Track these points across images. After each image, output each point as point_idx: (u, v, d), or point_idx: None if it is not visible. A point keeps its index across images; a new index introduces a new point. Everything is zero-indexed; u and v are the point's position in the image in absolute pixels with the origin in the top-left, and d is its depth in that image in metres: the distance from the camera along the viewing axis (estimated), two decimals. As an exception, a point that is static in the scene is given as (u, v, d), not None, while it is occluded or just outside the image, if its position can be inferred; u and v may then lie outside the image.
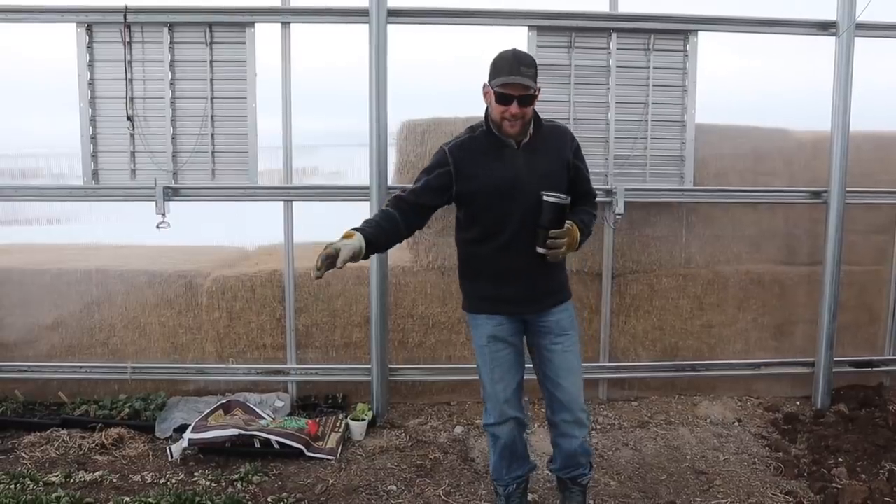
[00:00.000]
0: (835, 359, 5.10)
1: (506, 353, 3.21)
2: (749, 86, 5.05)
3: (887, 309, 5.30)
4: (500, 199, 3.06)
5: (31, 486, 3.81)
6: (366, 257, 2.92)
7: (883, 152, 5.23)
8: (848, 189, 4.92)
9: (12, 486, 3.78)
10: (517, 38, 4.75)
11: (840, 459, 4.21)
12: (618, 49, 4.81)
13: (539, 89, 3.03)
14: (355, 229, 2.92)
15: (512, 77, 2.93)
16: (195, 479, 3.95)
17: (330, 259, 2.77)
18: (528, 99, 2.98)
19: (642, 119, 4.87)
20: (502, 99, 2.96)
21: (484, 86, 3.07)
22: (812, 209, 5.10)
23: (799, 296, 5.21)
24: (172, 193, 4.69)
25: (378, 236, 2.95)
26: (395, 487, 3.89)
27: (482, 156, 3.09)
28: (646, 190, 4.88)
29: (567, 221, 3.03)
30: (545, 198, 2.96)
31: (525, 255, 3.08)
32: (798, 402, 5.12)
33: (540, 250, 3.03)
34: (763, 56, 5.03)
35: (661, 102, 4.88)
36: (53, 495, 3.70)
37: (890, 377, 5.35)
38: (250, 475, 3.96)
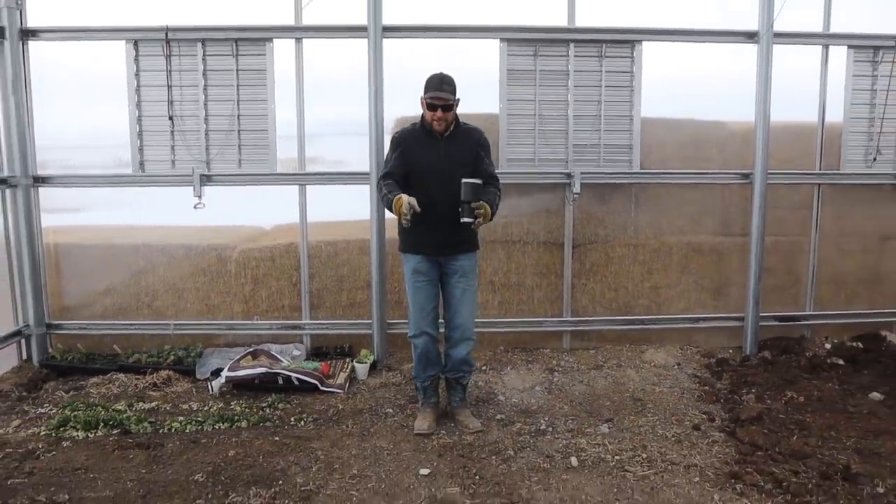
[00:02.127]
0: (762, 314, 6.09)
1: (424, 284, 4.50)
2: (688, 85, 5.95)
3: (808, 273, 6.26)
4: (427, 172, 4.38)
5: (102, 412, 4.78)
6: None
7: (804, 141, 6.15)
8: (770, 171, 5.89)
9: (89, 411, 4.76)
10: (491, 48, 5.74)
11: (753, 391, 5.19)
12: (575, 56, 5.78)
13: (458, 100, 4.39)
14: (397, 192, 4.24)
15: (436, 92, 4.30)
16: (232, 406, 4.94)
17: (411, 206, 4.14)
18: (448, 107, 4.34)
19: (597, 114, 5.85)
20: (431, 107, 4.34)
21: (420, 98, 4.37)
22: (742, 188, 6.05)
23: (733, 262, 6.17)
24: (206, 180, 5.67)
25: (402, 191, 4.29)
26: (391, 410, 4.88)
27: (418, 142, 4.43)
28: (599, 173, 5.86)
29: (481, 201, 4.20)
30: (464, 181, 4.20)
31: (441, 213, 4.32)
32: (731, 351, 6.09)
33: (465, 220, 4.23)
34: (700, 60, 5.95)
35: (613, 100, 5.86)
36: (124, 415, 4.70)
37: (810, 330, 6.33)
38: (276, 403, 4.96)
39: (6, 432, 4.54)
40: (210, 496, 3.71)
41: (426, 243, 4.44)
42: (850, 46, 6.01)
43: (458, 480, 3.89)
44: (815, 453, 4.17)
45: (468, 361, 4.66)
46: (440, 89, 4.31)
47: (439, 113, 4.33)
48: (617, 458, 4.16)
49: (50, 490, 3.78)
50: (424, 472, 3.98)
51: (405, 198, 4.18)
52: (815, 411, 4.82)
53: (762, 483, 3.86)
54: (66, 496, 3.72)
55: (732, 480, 3.91)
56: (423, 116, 4.44)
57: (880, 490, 3.76)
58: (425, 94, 4.34)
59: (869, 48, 6.03)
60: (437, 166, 4.37)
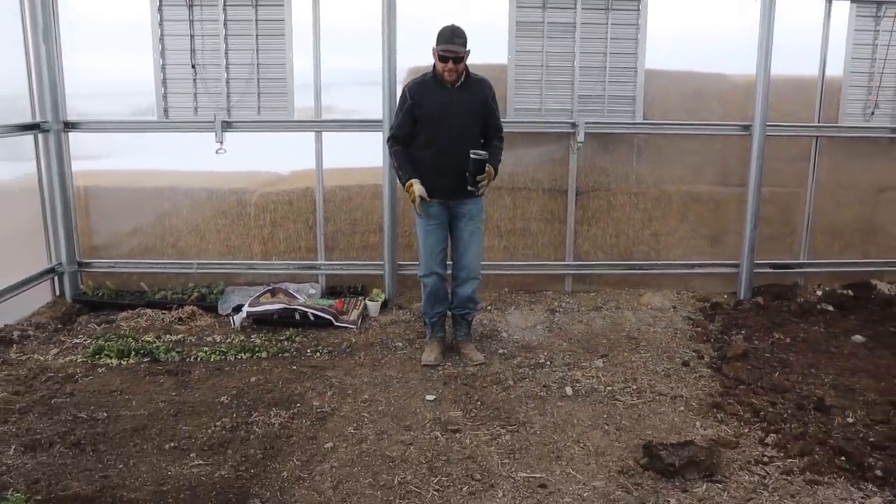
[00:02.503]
0: (757, 262, 6.36)
1: (435, 227, 4.82)
2: (692, 38, 6.14)
3: (804, 223, 6.50)
4: (439, 119, 4.65)
5: (133, 342, 5.15)
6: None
7: (804, 94, 6.33)
8: (769, 123, 6.10)
9: (121, 341, 5.13)
10: (500, 1, 5.91)
11: (742, 332, 5.49)
12: (582, 9, 5.96)
13: (468, 52, 4.58)
14: (411, 177, 4.65)
15: (448, 45, 4.50)
16: (252, 339, 5.30)
17: (423, 200, 4.61)
18: (459, 59, 4.55)
19: (602, 66, 6.05)
20: (442, 59, 4.55)
21: (432, 49, 4.58)
22: (742, 140, 6.25)
23: (730, 211, 6.42)
24: (227, 126, 5.95)
25: (410, 171, 4.69)
26: (400, 344, 5.23)
27: (429, 91, 4.67)
28: (603, 123, 6.09)
29: (487, 166, 4.61)
30: (472, 155, 4.54)
31: (451, 159, 4.62)
32: (725, 296, 6.38)
33: (470, 188, 4.60)
34: (704, 13, 6.12)
35: (618, 53, 6.06)
36: (153, 345, 5.07)
37: (803, 277, 6.60)
38: (293, 336, 5.32)
39: (46, 359, 4.93)
40: (235, 415, 4.08)
41: (438, 188, 4.70)
42: (853, 1, 6.15)
43: (461, 405, 4.24)
44: (794, 388, 4.49)
45: (474, 299, 4.99)
46: (451, 42, 4.52)
47: (450, 65, 4.56)
48: (609, 388, 4.49)
49: (90, 408, 4.17)
50: (430, 397, 4.34)
51: (417, 187, 4.61)
52: (799, 351, 5.13)
53: (742, 412, 4.18)
54: (105, 414, 4.10)
55: (714, 410, 4.24)
56: (434, 67, 4.68)
57: (850, 420, 4.07)
58: (437, 45, 4.56)
59: (872, 3, 6.17)
60: (448, 115, 4.64)
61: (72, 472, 3.48)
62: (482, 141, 4.78)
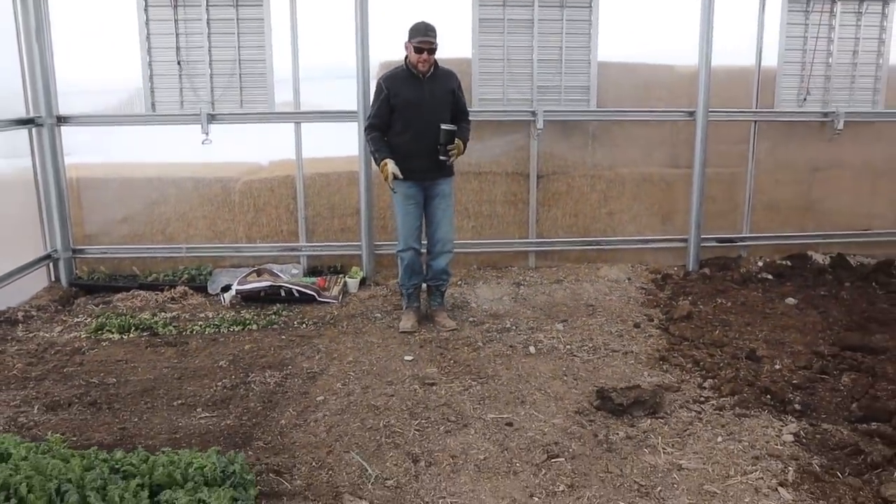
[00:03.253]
0: (704, 236, 6.94)
1: (413, 206, 5.32)
2: (641, 32, 6.69)
3: (745, 200, 7.10)
4: (413, 107, 5.15)
5: (131, 319, 5.57)
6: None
7: (742, 82, 6.91)
8: (711, 109, 6.67)
9: (120, 318, 5.55)
10: (464, 0, 6.41)
11: (689, 298, 6.07)
12: (539, 6, 6.48)
13: (437, 45, 5.09)
14: (385, 157, 5.13)
15: (424, 37, 5.04)
16: (242, 314, 5.76)
17: (395, 176, 5.06)
18: (432, 50, 5.08)
19: (558, 59, 6.57)
20: (418, 50, 5.05)
21: (405, 43, 5.14)
22: (688, 125, 6.81)
23: (679, 191, 6.98)
24: (212, 118, 6.37)
25: (386, 153, 5.17)
26: (379, 315, 5.72)
27: (403, 82, 5.17)
28: (560, 111, 6.62)
29: (456, 139, 5.09)
30: (442, 127, 5.10)
31: (425, 143, 5.15)
32: (675, 268, 6.95)
33: (442, 158, 5.13)
34: (652, 9, 6.66)
35: (573, 47, 6.59)
36: (151, 321, 5.51)
37: (747, 250, 7.20)
38: (280, 311, 5.79)
39: (52, 336, 5.34)
40: (233, 376, 4.54)
41: (414, 170, 5.20)
42: (784, -3, 6.75)
43: (436, 364, 4.75)
44: (731, 342, 5.06)
45: (447, 271, 5.51)
46: (426, 35, 5.05)
47: (425, 55, 5.08)
48: (567, 347, 5.03)
49: (100, 375, 4.60)
50: (408, 358, 4.84)
51: (390, 166, 5.08)
52: (738, 313, 5.71)
53: (684, 364, 4.75)
54: (114, 379, 4.54)
55: (661, 362, 4.80)
56: (406, 59, 5.18)
57: (777, 367, 4.66)
58: (412, 39, 5.07)
59: (802, 0, 6.77)
60: (421, 103, 5.15)
61: (92, 425, 3.92)
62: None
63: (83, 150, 6.56)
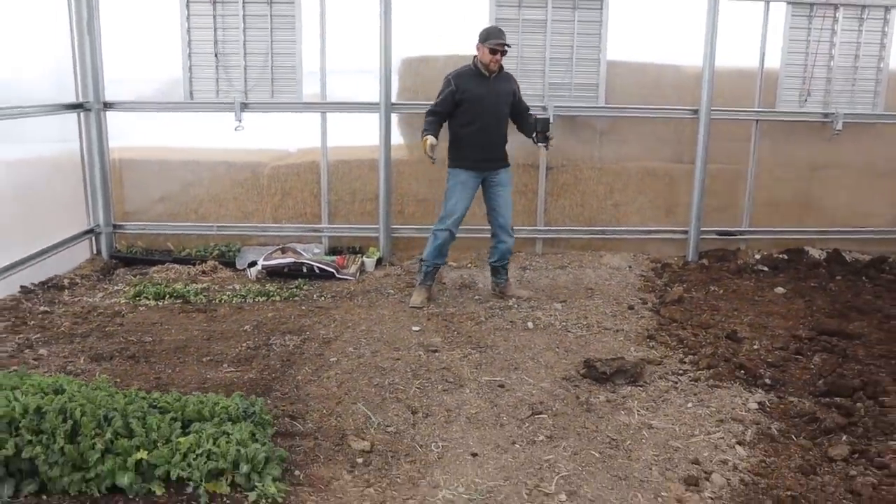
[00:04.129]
0: (704, 229, 7.32)
1: (467, 194, 5.76)
2: (650, 33, 7.07)
3: (746, 195, 7.45)
4: (479, 103, 5.64)
5: (165, 289, 6.09)
6: None
7: (746, 83, 7.26)
8: (714, 108, 7.04)
9: (155, 288, 6.07)
10: (482, 1, 6.84)
11: (683, 285, 6.45)
12: (552, 7, 6.89)
13: (509, 48, 5.64)
14: (429, 134, 5.52)
15: (499, 39, 5.54)
16: (267, 287, 6.25)
17: (433, 147, 5.44)
18: (504, 52, 5.60)
19: (570, 57, 6.98)
20: (493, 52, 5.55)
21: (477, 45, 5.62)
22: (692, 122, 7.18)
23: (682, 185, 7.36)
24: (245, 107, 6.87)
25: (437, 131, 5.60)
26: (392, 291, 6.19)
27: (471, 80, 5.65)
28: (570, 107, 7.02)
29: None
30: (538, 116, 5.73)
31: (488, 136, 5.69)
32: (676, 258, 7.33)
33: (540, 144, 5.78)
34: (660, 12, 7.04)
35: (583, 46, 6.99)
36: (183, 290, 6.02)
37: (746, 243, 7.55)
38: (302, 285, 6.27)
39: (94, 301, 5.88)
40: (256, 339, 5.03)
41: (480, 160, 5.73)
42: (788, 2, 7.08)
43: (441, 334, 5.20)
44: (717, 325, 5.46)
45: (510, 251, 6.01)
46: (500, 37, 5.55)
47: (498, 56, 5.58)
48: (563, 324, 5.46)
49: (138, 334, 5.12)
50: (416, 328, 5.30)
51: (430, 140, 5.47)
52: (728, 300, 6.09)
53: (670, 342, 5.15)
54: (150, 338, 5.05)
55: (648, 340, 5.20)
56: (475, 59, 5.69)
57: (755, 347, 5.05)
58: (488, 41, 5.54)
59: (806, 5, 7.10)
60: (487, 99, 5.66)
61: (131, 374, 4.43)
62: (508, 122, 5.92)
63: (126, 133, 7.08)
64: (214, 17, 6.76)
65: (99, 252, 7.11)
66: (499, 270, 6.07)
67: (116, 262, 6.91)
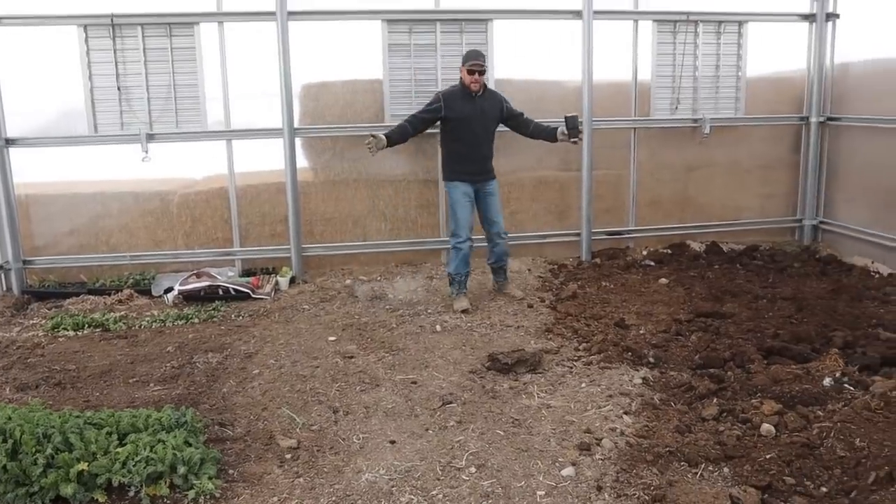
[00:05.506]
0: (594, 230, 7.92)
1: (468, 202, 6.38)
2: (532, 52, 7.64)
3: (630, 198, 8.11)
4: (466, 121, 6.23)
5: (83, 319, 6.22)
6: (388, 146, 6.21)
7: (622, 95, 7.93)
8: (595, 119, 7.67)
9: (73, 319, 6.19)
10: (375, 27, 7.27)
11: (578, 282, 7.01)
12: (441, 32, 7.38)
13: (486, 68, 6.27)
14: (386, 133, 6.16)
15: (475, 61, 6.13)
16: (185, 311, 6.45)
17: (374, 140, 6.00)
18: (482, 71, 6.15)
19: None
20: (471, 72, 6.11)
21: (460, 68, 6.24)
22: (576, 133, 7.78)
23: (572, 191, 7.94)
24: (150, 138, 7.07)
25: (391, 135, 6.18)
26: (307, 307, 6.51)
27: (458, 99, 6.23)
28: (464, 124, 7.50)
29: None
30: (567, 115, 6.29)
31: (476, 150, 6.33)
32: (571, 259, 7.90)
33: (573, 140, 6.37)
34: (541, 32, 7.62)
35: (472, 66, 7.48)
36: (102, 319, 6.17)
37: (634, 242, 8.21)
38: (219, 307, 6.51)
39: (11, 335, 5.96)
40: (180, 359, 5.27)
41: (471, 172, 6.34)
42: (654, 20, 7.79)
43: (356, 342, 5.56)
44: (608, 315, 6.00)
45: (507, 252, 6.67)
46: (477, 59, 6.12)
47: (476, 76, 6.12)
48: (468, 325, 5.91)
49: (61, 363, 5.28)
50: (332, 338, 5.65)
51: (380, 136, 6.08)
52: (618, 293, 6.67)
53: (566, 333, 5.66)
54: (74, 366, 5.22)
55: (546, 333, 5.70)
56: (461, 80, 6.27)
57: (641, 332, 5.60)
58: (466, 63, 6.14)
59: (669, 22, 7.83)
60: (475, 117, 6.24)
61: (60, 400, 4.61)
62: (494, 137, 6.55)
63: (31, 168, 7.11)
64: (115, 50, 6.94)
65: (10, 289, 7.13)
66: (497, 271, 6.75)
67: (29, 297, 6.96)
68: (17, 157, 7.06)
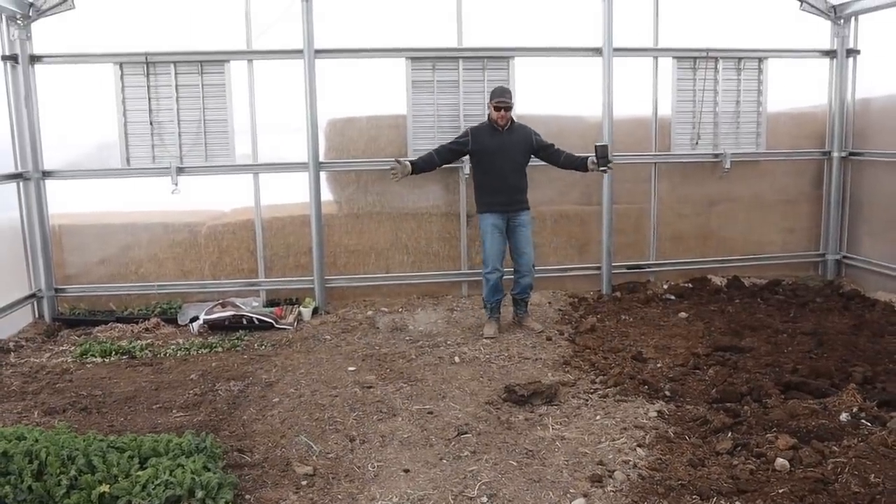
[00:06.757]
0: (615, 264, 7.97)
1: (498, 234, 6.53)
2: (554, 89, 7.78)
3: (651, 231, 8.16)
4: (494, 154, 6.44)
5: (111, 346, 6.37)
6: (413, 173, 6.46)
7: (642, 130, 8.02)
8: (615, 154, 7.73)
9: (101, 346, 6.36)
10: (399, 65, 7.45)
11: (597, 315, 7.04)
12: (464, 70, 7.54)
13: (512, 105, 6.44)
14: (409, 161, 6.47)
15: (501, 98, 6.36)
16: (209, 340, 6.59)
17: (400, 167, 6.30)
18: (508, 108, 6.39)
19: (482, 114, 7.60)
20: (497, 108, 6.36)
21: (487, 103, 6.60)
22: (597, 168, 7.87)
23: (593, 225, 8.01)
24: (180, 171, 7.28)
25: (417, 162, 6.48)
26: (329, 337, 6.61)
27: (486, 133, 6.47)
28: (485, 159, 7.63)
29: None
30: (597, 144, 6.43)
31: (505, 183, 6.46)
32: (591, 292, 7.94)
33: (602, 169, 6.45)
34: (562, 69, 7.77)
35: (494, 102, 7.63)
36: (129, 347, 6.32)
37: (655, 275, 8.23)
38: (243, 336, 6.64)
39: (42, 361, 6.13)
40: (202, 386, 5.39)
41: (501, 203, 6.48)
42: (674, 57, 7.90)
43: (375, 372, 5.64)
44: (626, 348, 6.03)
45: (531, 285, 6.77)
46: (503, 97, 6.36)
47: (502, 112, 6.36)
48: (487, 357, 5.96)
49: (88, 388, 5.42)
50: (351, 369, 5.73)
51: (404, 161, 6.42)
52: (637, 326, 6.70)
53: (583, 366, 5.69)
54: (100, 392, 5.36)
55: (564, 366, 5.74)
56: (489, 116, 6.50)
57: (658, 365, 5.62)
58: (492, 100, 6.38)
59: (689, 59, 7.93)
60: (503, 151, 6.44)
61: (85, 425, 4.74)
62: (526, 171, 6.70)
63: (65, 199, 7.36)
64: (148, 87, 7.19)
65: (42, 315, 7.34)
66: (519, 303, 6.83)
67: (60, 324, 7.15)
68: (53, 189, 7.30)
